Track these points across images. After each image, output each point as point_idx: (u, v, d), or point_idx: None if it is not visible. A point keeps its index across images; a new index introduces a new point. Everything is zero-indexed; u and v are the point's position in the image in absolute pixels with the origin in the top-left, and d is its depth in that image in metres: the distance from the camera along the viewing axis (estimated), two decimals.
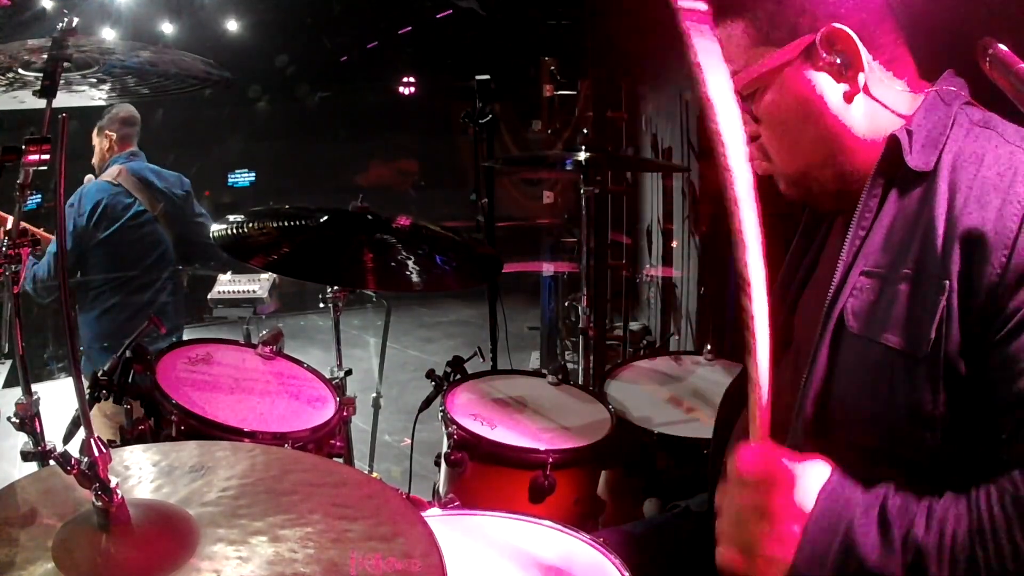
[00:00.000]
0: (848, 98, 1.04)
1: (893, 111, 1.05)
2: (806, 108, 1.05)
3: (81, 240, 3.05)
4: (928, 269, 0.95)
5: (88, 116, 3.31)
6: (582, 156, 2.44)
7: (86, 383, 1.65)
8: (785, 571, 0.90)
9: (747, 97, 1.07)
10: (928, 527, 0.87)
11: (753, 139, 1.10)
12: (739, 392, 1.33)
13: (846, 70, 1.02)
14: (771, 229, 0.93)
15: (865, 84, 1.03)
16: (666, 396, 2.09)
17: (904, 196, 1.02)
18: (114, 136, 3.21)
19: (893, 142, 1.02)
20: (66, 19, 1.72)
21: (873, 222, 1.04)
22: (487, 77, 2.96)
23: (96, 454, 0.79)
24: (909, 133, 1.01)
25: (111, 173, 3.15)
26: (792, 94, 1.05)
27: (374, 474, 2.61)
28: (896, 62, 1.06)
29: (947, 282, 0.92)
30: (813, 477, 0.92)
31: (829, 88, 1.04)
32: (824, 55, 1.02)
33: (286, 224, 1.85)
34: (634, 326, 5.17)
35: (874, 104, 1.05)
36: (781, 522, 0.91)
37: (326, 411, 1.83)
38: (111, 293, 3.13)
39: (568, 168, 2.50)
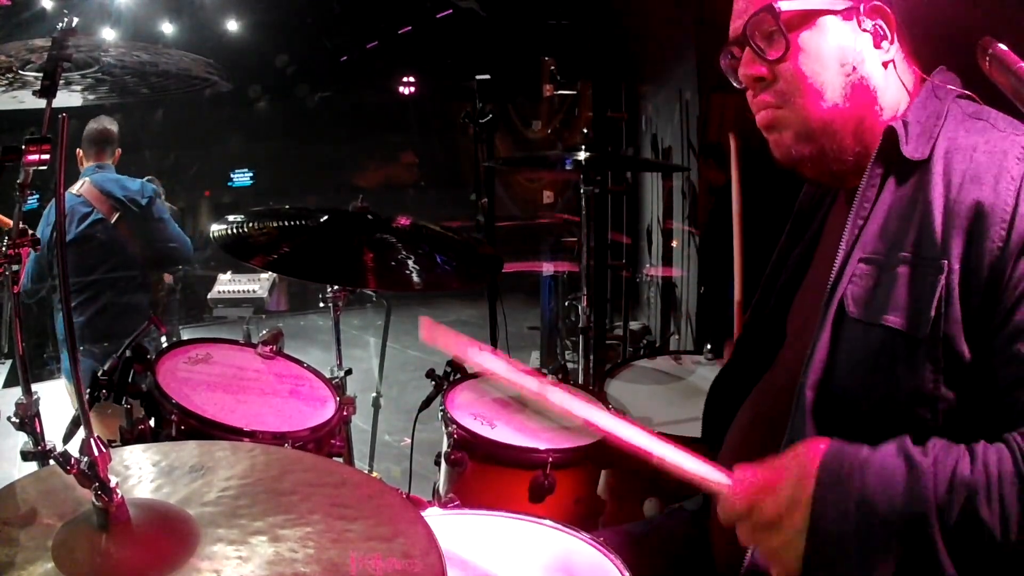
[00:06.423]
0: (884, 65, 1.07)
1: (908, 96, 1.08)
2: (845, 54, 1.06)
3: (48, 248, 3.22)
4: (925, 251, 0.97)
5: (88, 116, 3.37)
6: (582, 156, 2.44)
7: (69, 383, 1.64)
8: (806, 542, 0.90)
9: (766, 36, 1.06)
10: (973, 466, 0.87)
11: (759, 81, 1.08)
12: (727, 391, 1.34)
13: (882, 41, 1.06)
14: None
15: (893, 60, 1.07)
16: (666, 396, 2.09)
17: (900, 185, 1.04)
18: (81, 153, 3.44)
19: (890, 132, 1.04)
20: (66, 19, 1.71)
21: (871, 210, 1.06)
22: (487, 77, 2.96)
23: (96, 454, 0.79)
24: (905, 124, 1.04)
25: (77, 185, 3.38)
26: (834, 38, 1.06)
27: (374, 474, 2.61)
28: (911, 58, 1.11)
29: (945, 262, 0.94)
30: (802, 458, 0.94)
31: (867, 49, 1.06)
32: (867, 19, 1.05)
33: (286, 224, 1.85)
34: (634, 326, 5.18)
35: (899, 83, 1.08)
36: (790, 507, 0.92)
37: (326, 411, 1.82)
38: (74, 296, 3.25)
39: (568, 168, 2.50)
